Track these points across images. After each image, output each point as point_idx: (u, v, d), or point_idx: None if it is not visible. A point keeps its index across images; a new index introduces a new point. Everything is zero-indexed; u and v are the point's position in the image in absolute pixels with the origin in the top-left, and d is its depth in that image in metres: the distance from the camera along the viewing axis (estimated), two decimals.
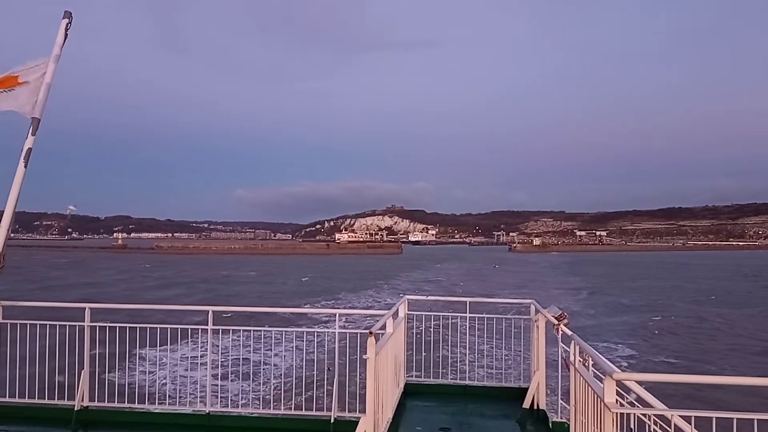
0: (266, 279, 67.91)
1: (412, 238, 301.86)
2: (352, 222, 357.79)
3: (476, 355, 8.96)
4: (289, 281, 64.47)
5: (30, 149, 5.95)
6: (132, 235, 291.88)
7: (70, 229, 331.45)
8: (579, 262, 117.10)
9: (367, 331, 5.00)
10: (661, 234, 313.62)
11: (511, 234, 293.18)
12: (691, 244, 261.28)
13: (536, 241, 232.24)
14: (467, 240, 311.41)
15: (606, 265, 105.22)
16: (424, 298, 9.72)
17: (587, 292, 53.79)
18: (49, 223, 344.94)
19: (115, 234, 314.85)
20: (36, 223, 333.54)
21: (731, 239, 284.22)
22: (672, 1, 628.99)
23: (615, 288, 58.35)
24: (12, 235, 6.37)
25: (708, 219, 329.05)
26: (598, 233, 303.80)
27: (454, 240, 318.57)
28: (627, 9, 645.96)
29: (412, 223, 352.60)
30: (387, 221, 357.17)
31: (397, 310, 7.37)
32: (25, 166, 5.95)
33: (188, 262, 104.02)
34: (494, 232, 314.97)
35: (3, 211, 6.16)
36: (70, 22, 6.21)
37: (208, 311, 7.46)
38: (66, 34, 6.16)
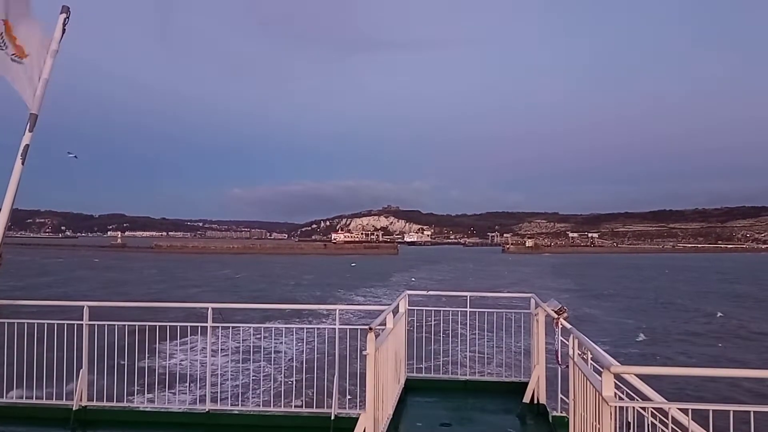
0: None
1: (407, 239, 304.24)
2: (348, 222, 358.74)
3: (476, 349, 8.88)
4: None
5: (27, 146, 5.82)
6: (126, 233, 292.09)
7: (63, 227, 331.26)
8: (569, 264, 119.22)
9: (367, 327, 5.01)
10: (652, 236, 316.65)
11: (505, 235, 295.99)
12: (680, 247, 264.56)
13: (529, 243, 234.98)
14: (462, 241, 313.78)
15: (593, 267, 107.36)
16: (424, 292, 9.80)
17: (570, 293, 56.46)
18: (42, 220, 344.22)
19: (109, 232, 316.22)
20: (29, 220, 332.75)
21: (720, 242, 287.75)
22: (669, 3, 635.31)
23: (598, 287, 60.81)
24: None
25: (698, 222, 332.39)
26: (590, 235, 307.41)
27: (449, 241, 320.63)
28: (622, 10, 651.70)
29: (407, 224, 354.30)
30: (383, 221, 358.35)
31: (398, 305, 7.30)
32: (23, 163, 5.79)
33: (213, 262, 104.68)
34: (489, 233, 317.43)
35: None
36: (67, 17, 6.11)
37: (208, 308, 7.47)
38: (64, 30, 6.07)
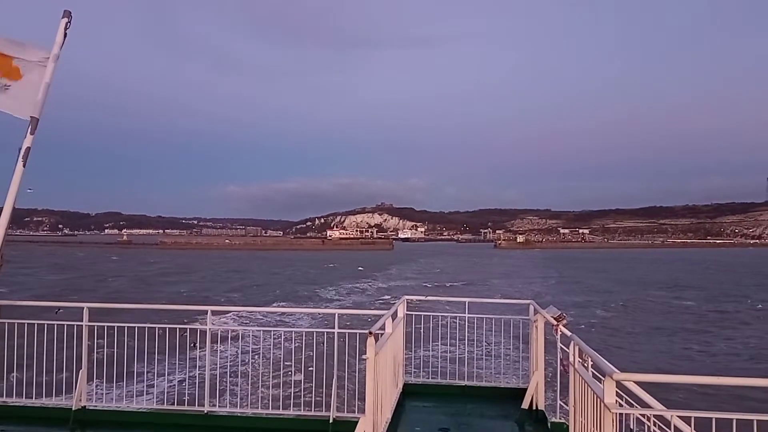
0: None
1: (401, 236, 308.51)
2: (342, 219, 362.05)
3: (475, 355, 8.85)
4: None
5: (29, 148, 5.86)
6: (124, 231, 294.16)
7: (60, 225, 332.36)
8: (555, 258, 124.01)
9: (367, 331, 5.05)
10: (642, 232, 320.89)
11: (497, 231, 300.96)
12: (670, 242, 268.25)
13: (520, 239, 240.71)
14: (455, 237, 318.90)
15: (579, 261, 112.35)
16: (423, 298, 9.84)
17: (554, 280, 62.44)
18: (40, 219, 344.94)
19: (106, 230, 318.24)
20: (26, 219, 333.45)
21: (709, 237, 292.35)
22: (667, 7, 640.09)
23: (578, 278, 66.68)
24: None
25: (687, 218, 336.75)
26: (581, 231, 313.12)
27: (443, 237, 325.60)
28: (616, 10, 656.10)
29: (401, 221, 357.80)
30: (377, 219, 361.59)
31: (396, 310, 7.35)
32: (24, 166, 5.83)
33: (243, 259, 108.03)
34: (481, 230, 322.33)
35: (1, 209, 6.07)
36: (69, 22, 6.16)
37: (207, 311, 7.56)
38: (65, 34, 6.13)
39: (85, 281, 55.57)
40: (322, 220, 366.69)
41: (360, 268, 79.20)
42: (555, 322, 6.47)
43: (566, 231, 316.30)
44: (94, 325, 7.44)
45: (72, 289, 46.69)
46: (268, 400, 7.44)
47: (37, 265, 72.04)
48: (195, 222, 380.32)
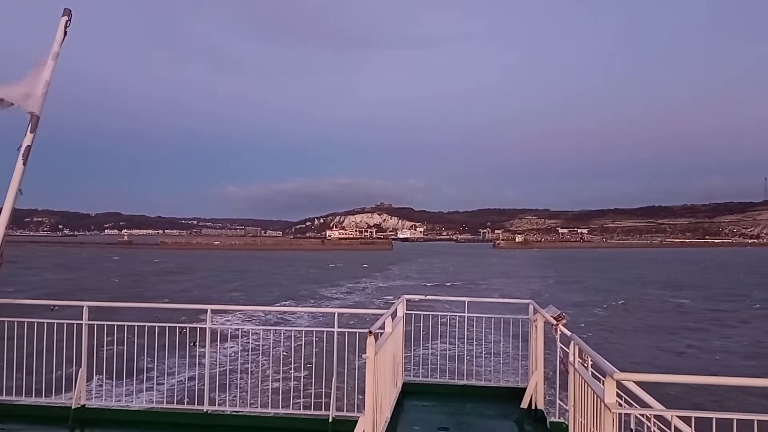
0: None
1: (400, 236, 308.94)
2: (341, 219, 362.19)
3: (474, 354, 8.84)
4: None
5: (29, 147, 5.80)
6: (124, 231, 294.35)
7: (60, 226, 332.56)
8: (553, 257, 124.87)
9: (367, 330, 5.02)
10: (641, 232, 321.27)
11: (496, 231, 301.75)
12: (668, 242, 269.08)
13: (519, 238, 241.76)
14: (454, 237, 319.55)
15: (577, 261, 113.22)
16: (422, 297, 9.75)
17: (553, 280, 63.46)
18: (40, 219, 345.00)
19: (106, 231, 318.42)
20: (27, 219, 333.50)
21: (707, 237, 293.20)
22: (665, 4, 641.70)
23: (577, 277, 67.33)
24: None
25: (686, 218, 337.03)
26: (579, 231, 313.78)
27: (441, 237, 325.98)
28: (620, 10, 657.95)
29: (400, 221, 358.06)
30: (376, 219, 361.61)
31: (396, 309, 7.32)
32: (24, 164, 5.77)
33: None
34: (480, 230, 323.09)
35: (1, 208, 6.04)
36: (69, 20, 6.15)
37: (207, 310, 7.53)
38: (65, 32, 6.11)
39: (89, 281, 56.18)
40: (322, 220, 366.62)
41: (365, 266, 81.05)
42: (555, 322, 6.46)
43: (565, 231, 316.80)
44: (93, 324, 7.46)
45: (77, 288, 47.35)
46: (268, 399, 7.45)
47: (41, 266, 72.77)
48: (195, 222, 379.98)
